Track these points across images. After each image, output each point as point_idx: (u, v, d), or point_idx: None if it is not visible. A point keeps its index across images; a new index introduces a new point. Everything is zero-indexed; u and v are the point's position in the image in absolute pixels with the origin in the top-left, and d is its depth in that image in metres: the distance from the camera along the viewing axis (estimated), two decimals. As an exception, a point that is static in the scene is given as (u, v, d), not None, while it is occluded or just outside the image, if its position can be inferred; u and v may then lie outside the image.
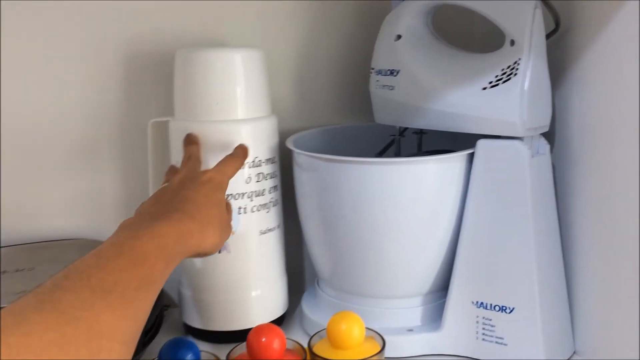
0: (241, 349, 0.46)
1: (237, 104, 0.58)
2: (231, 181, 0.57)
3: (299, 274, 0.72)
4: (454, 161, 0.55)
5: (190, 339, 0.44)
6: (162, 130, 0.61)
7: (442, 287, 0.59)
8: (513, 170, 0.53)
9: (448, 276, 0.57)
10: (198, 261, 0.59)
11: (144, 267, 0.36)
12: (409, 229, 0.56)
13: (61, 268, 0.57)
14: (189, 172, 0.50)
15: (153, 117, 0.62)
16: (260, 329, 0.45)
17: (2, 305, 0.49)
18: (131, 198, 0.67)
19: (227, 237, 0.48)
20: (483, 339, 0.56)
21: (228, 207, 0.51)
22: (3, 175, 0.64)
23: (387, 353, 0.55)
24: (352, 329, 0.46)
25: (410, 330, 0.58)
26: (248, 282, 0.60)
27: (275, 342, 0.44)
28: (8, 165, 0.64)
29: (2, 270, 0.56)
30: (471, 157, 0.55)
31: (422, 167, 0.54)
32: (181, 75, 0.58)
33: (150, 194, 0.64)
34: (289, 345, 0.46)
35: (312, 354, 0.45)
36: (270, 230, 0.61)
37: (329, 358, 0.45)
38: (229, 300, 0.60)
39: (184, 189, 0.46)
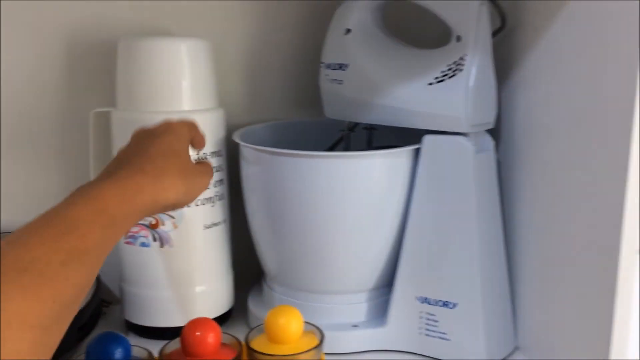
0: (175, 344, 0.44)
1: (182, 95, 0.56)
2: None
3: (247, 270, 0.71)
4: (401, 156, 0.55)
5: (121, 334, 0.42)
6: (105, 121, 0.60)
7: (388, 283, 0.58)
8: (457, 165, 0.53)
9: (393, 272, 0.57)
10: (141, 256, 0.58)
11: (73, 237, 0.32)
12: (355, 224, 0.55)
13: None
14: (150, 127, 0.46)
15: (95, 108, 0.60)
16: (195, 322, 0.44)
17: None
18: (73, 188, 0.65)
19: (201, 188, 0.45)
20: (427, 334, 0.56)
21: (204, 164, 0.48)
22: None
23: (333, 349, 0.55)
24: (290, 323, 0.45)
25: (356, 325, 0.58)
26: (192, 277, 0.59)
27: (210, 337, 0.43)
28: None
29: None
30: (418, 152, 0.55)
31: (368, 162, 0.54)
32: (124, 65, 0.56)
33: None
34: (225, 339, 0.45)
35: (249, 348, 0.44)
36: (215, 224, 0.59)
37: (265, 352, 0.44)
38: (171, 296, 0.58)
39: (139, 143, 0.43)
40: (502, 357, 0.56)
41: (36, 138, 0.63)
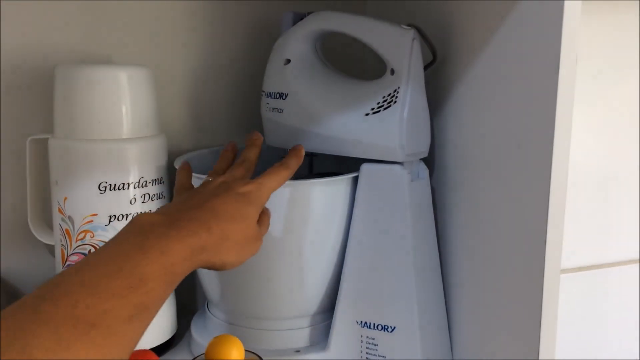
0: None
1: (122, 123, 0.56)
2: (114, 201, 0.56)
3: (191, 296, 0.71)
4: (340, 184, 0.56)
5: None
6: (42, 149, 0.59)
7: (329, 307, 0.60)
8: (394, 193, 0.55)
9: (335, 297, 0.58)
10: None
11: (141, 292, 0.32)
12: (296, 250, 0.56)
13: None
14: (230, 177, 0.46)
15: (32, 135, 0.59)
16: (134, 354, 0.43)
17: None
18: (7, 218, 0.64)
19: (252, 253, 0.45)
20: (367, 358, 0.57)
21: (264, 219, 0.47)
22: None
23: (274, 375, 0.56)
24: (230, 352, 0.45)
25: (298, 351, 0.59)
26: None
27: (149, 368, 0.43)
28: None
29: None
30: (356, 180, 0.56)
31: (309, 189, 0.55)
32: (62, 92, 0.56)
33: (29, 214, 0.61)
34: (166, 370, 0.45)
35: (188, 379, 0.45)
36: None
37: (204, 383, 0.44)
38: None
39: (215, 196, 0.43)
40: (439, 378, 0.58)
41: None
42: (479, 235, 0.55)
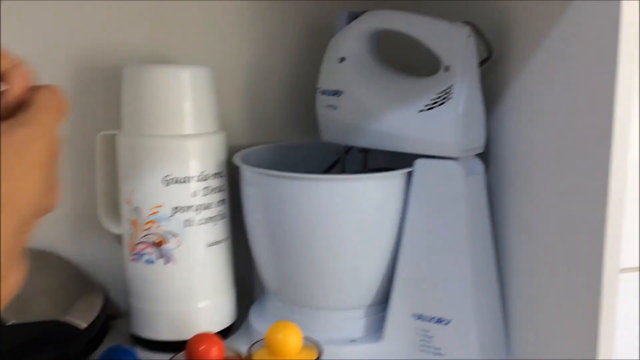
0: (181, 357, 0.47)
1: (185, 120, 0.59)
2: (177, 194, 0.59)
3: (249, 286, 0.73)
4: (394, 179, 0.57)
5: (129, 347, 0.45)
6: (111, 143, 0.63)
7: (384, 299, 0.61)
8: (448, 188, 0.56)
9: (389, 289, 0.60)
10: (146, 272, 0.60)
11: None
12: (351, 244, 0.58)
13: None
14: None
15: (102, 130, 0.63)
16: (199, 337, 0.46)
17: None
18: (79, 209, 0.68)
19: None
20: (421, 350, 0.58)
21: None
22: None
23: (331, 364, 0.57)
24: (289, 338, 0.47)
25: (353, 340, 0.60)
26: (195, 293, 0.61)
27: (213, 350, 0.45)
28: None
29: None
30: (411, 175, 0.57)
31: (363, 184, 0.57)
32: (129, 91, 0.59)
33: (99, 206, 0.65)
34: (228, 353, 0.48)
35: (250, 362, 0.47)
36: (217, 242, 0.62)
37: (265, 366, 0.46)
38: (175, 310, 0.61)
39: None
40: (494, 372, 0.58)
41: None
42: (535, 232, 0.55)
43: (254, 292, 0.74)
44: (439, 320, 0.57)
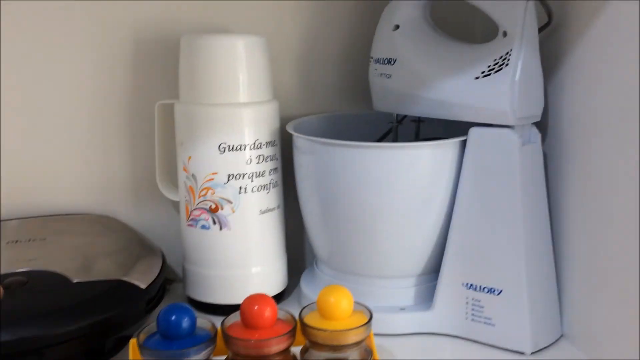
0: (235, 317, 0.48)
1: (239, 89, 0.60)
2: (232, 161, 0.60)
3: (299, 255, 0.75)
4: (447, 147, 0.57)
5: (187, 305, 0.46)
6: (168, 112, 0.64)
7: (435, 269, 0.61)
8: (503, 157, 0.55)
9: (440, 259, 0.59)
10: (202, 238, 0.62)
11: None
12: (403, 213, 0.58)
13: (70, 240, 0.60)
14: None
15: (160, 100, 0.65)
16: (253, 297, 0.47)
17: (18, 271, 0.53)
18: (138, 177, 0.70)
19: None
20: (472, 319, 0.58)
21: None
22: (20, 153, 0.67)
23: (381, 330, 0.58)
24: (341, 302, 0.48)
25: (403, 309, 0.60)
26: (248, 259, 0.63)
27: (267, 311, 0.47)
28: (25, 144, 0.67)
29: (15, 239, 0.59)
30: (464, 144, 0.57)
31: (416, 153, 0.56)
32: (186, 60, 0.61)
33: (157, 173, 0.67)
34: (281, 315, 0.49)
35: (302, 323, 0.48)
36: (269, 210, 0.63)
37: (317, 327, 0.47)
38: (229, 275, 0.62)
39: None
40: (547, 345, 0.57)
41: (107, 129, 0.68)
42: (591, 205, 0.53)
43: (304, 260, 0.75)
44: (491, 290, 0.57)
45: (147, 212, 0.71)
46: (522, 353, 0.56)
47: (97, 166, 0.69)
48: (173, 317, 0.45)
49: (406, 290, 0.61)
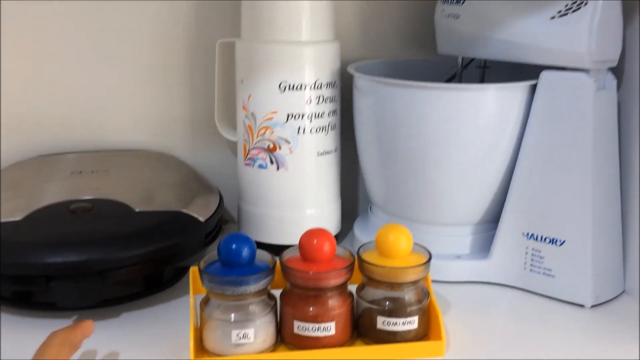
0: (294, 251, 0.48)
1: (302, 27, 0.59)
2: (292, 100, 0.59)
3: (353, 202, 0.74)
4: (516, 91, 0.55)
5: (248, 235, 0.47)
6: (229, 51, 0.64)
7: (493, 218, 0.59)
8: (576, 103, 0.52)
9: (500, 208, 0.58)
10: (258, 177, 0.62)
11: None
12: (465, 158, 0.56)
13: (131, 173, 0.61)
14: None
15: (221, 38, 0.64)
16: (312, 231, 0.47)
17: (83, 198, 0.54)
18: (198, 115, 0.70)
19: None
20: (531, 270, 0.57)
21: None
22: (82, 90, 0.68)
23: (436, 276, 0.57)
24: (400, 240, 0.47)
25: (459, 257, 0.60)
26: (303, 200, 0.63)
27: (326, 245, 0.46)
28: (88, 82, 0.68)
29: (79, 170, 0.61)
30: (533, 89, 0.54)
31: (482, 95, 0.55)
32: (249, -3, 0.60)
33: (216, 111, 0.67)
34: (339, 251, 0.49)
35: (360, 259, 0.48)
36: (327, 152, 0.63)
37: (376, 263, 0.47)
38: (284, 216, 0.63)
39: None
40: (608, 299, 0.56)
41: (168, 67, 0.69)
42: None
43: (357, 208, 0.75)
44: (553, 241, 0.55)
45: (205, 152, 0.71)
46: (581, 306, 0.54)
47: (157, 105, 0.70)
48: (234, 246, 0.45)
49: (463, 239, 0.60)
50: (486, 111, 0.55)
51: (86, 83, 0.68)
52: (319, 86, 0.60)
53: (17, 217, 0.51)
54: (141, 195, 0.57)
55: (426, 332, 0.49)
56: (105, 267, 0.49)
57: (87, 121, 0.69)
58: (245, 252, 0.45)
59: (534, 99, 0.54)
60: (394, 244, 0.47)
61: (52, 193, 0.55)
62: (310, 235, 0.47)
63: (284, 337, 0.47)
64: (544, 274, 0.56)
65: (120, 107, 0.69)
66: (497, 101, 0.55)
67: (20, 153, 0.67)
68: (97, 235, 0.50)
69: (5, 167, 0.64)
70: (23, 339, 0.48)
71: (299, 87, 0.59)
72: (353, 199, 0.74)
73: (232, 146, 0.69)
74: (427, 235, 0.60)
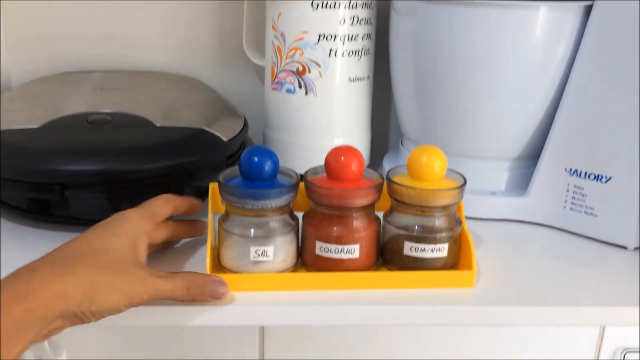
0: (319, 170, 0.46)
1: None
2: (325, 20, 0.56)
3: (383, 136, 0.71)
4: (568, 12, 0.50)
5: (271, 149, 0.44)
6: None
7: (533, 154, 0.56)
8: (635, 30, 0.48)
9: (541, 142, 0.54)
10: (286, 102, 0.59)
11: None
12: (507, 85, 0.52)
13: (154, 92, 0.59)
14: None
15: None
16: (339, 148, 0.44)
17: (102, 111, 0.52)
18: (225, 41, 0.67)
19: (136, 295, 0.37)
20: (571, 209, 0.53)
21: (172, 275, 0.39)
22: (109, 5, 0.66)
23: (469, 213, 0.54)
24: (434, 162, 0.44)
25: (494, 193, 0.56)
26: (332, 128, 0.60)
27: (354, 163, 0.44)
28: (114, 4, 0.66)
29: (101, 87, 0.59)
30: (588, 11, 0.50)
31: (532, 14, 0.50)
32: None
33: (244, 34, 0.64)
34: (367, 173, 0.46)
35: (390, 181, 0.45)
36: (359, 79, 0.59)
37: (407, 184, 0.44)
38: (311, 144, 0.60)
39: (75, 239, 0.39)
40: (652, 243, 0.52)
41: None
42: None
43: (387, 142, 0.72)
44: (598, 177, 0.51)
45: (231, 77, 0.69)
46: (624, 247, 0.51)
47: (184, 28, 0.67)
48: (256, 158, 0.43)
49: (499, 174, 0.57)
50: (535, 33, 0.50)
51: (112, 4, 0.66)
52: (354, 6, 0.56)
53: (34, 125, 0.50)
54: (163, 111, 0.54)
55: (455, 262, 0.46)
56: (123, 178, 0.47)
57: (112, 40, 0.67)
58: (267, 165, 0.43)
59: (588, 23, 0.50)
60: (427, 166, 0.44)
61: (72, 105, 0.54)
62: (338, 152, 0.44)
63: (305, 260, 0.45)
64: (585, 212, 0.52)
65: (146, 29, 0.67)
66: (548, 22, 0.50)
67: (44, 71, 0.66)
68: (116, 146, 0.48)
69: (28, 82, 0.63)
70: (39, 252, 0.46)
71: (332, 5, 0.56)
72: (383, 132, 0.71)
73: (260, 71, 0.67)
74: (462, 169, 0.56)
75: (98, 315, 0.36)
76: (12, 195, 0.49)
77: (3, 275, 0.35)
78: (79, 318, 0.35)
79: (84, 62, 0.67)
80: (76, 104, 0.54)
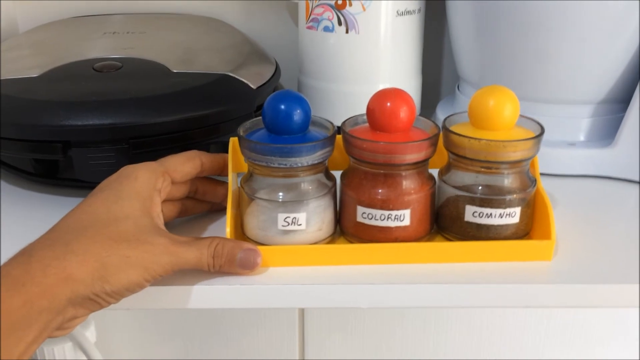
0: (361, 119, 0.38)
1: None
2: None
3: (435, 80, 0.62)
4: None
5: (301, 95, 0.36)
6: None
7: (620, 97, 0.46)
8: None
9: (632, 82, 0.45)
10: (323, 42, 0.51)
11: None
12: (590, 17, 0.43)
13: (173, 35, 0.52)
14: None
15: None
16: (384, 92, 0.36)
17: (111, 57, 0.46)
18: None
19: (158, 267, 0.32)
20: (669, 164, 0.44)
21: (198, 240, 0.34)
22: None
23: (543, 168, 0.45)
24: (503, 106, 0.36)
25: (573, 144, 0.47)
26: (376, 71, 0.51)
27: (403, 110, 0.35)
28: None
29: (113, 31, 0.52)
30: None
31: None
32: None
33: None
34: (419, 123, 0.38)
35: (447, 130, 0.36)
36: (408, 12, 0.50)
37: (469, 135, 0.35)
38: (352, 91, 0.52)
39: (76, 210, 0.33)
40: None
41: None
42: None
43: (440, 87, 0.63)
44: None
45: (259, 17, 0.61)
46: None
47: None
48: (283, 106, 0.35)
49: (579, 122, 0.47)
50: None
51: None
52: None
53: (34, 74, 0.43)
54: (181, 56, 0.47)
55: (528, 230, 0.38)
56: (134, 134, 0.40)
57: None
58: (297, 115, 0.35)
59: None
60: (495, 111, 0.36)
61: (78, 51, 0.47)
62: (383, 97, 0.36)
63: (344, 228, 0.38)
64: (689, 167, 0.43)
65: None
66: None
67: (53, 16, 0.60)
68: (125, 96, 0.41)
69: (32, 28, 0.57)
70: (42, 221, 0.41)
71: None
72: (436, 75, 0.62)
73: (292, 9, 0.58)
74: (534, 116, 0.48)
75: (117, 296, 0.31)
76: (10, 155, 0.44)
77: (3, 250, 0.30)
78: (94, 302, 0.30)
79: (96, 6, 0.60)
80: (83, 50, 0.47)
